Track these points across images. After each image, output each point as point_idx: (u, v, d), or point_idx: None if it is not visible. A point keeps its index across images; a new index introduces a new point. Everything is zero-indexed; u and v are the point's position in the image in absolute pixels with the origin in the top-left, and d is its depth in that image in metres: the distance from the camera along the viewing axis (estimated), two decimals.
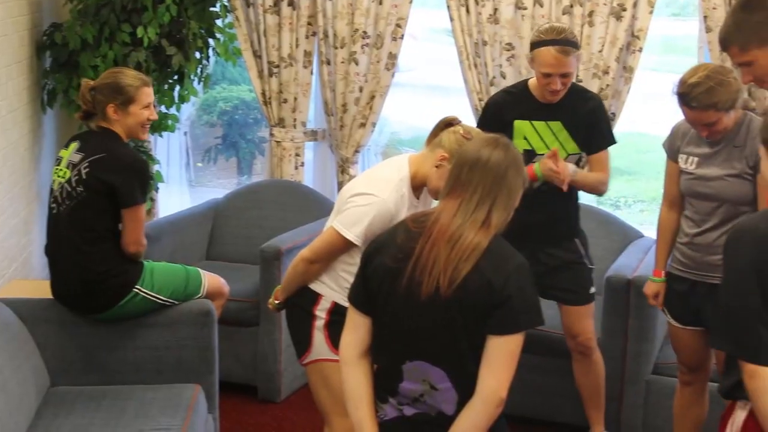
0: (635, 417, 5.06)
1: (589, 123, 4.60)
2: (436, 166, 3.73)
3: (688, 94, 3.98)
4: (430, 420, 3.09)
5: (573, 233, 4.77)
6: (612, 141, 4.74)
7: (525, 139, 4.54)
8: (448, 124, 3.83)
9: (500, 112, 4.60)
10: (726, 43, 3.61)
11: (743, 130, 4.08)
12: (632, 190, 9.87)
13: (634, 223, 6.05)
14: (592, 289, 4.77)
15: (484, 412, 3.00)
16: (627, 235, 5.74)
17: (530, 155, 4.52)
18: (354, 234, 3.72)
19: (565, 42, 4.39)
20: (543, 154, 4.52)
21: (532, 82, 4.59)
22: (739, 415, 2.94)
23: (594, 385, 4.85)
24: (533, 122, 4.54)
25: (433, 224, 3.06)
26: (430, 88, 11.23)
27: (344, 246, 3.78)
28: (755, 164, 3.99)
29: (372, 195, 3.75)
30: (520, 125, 4.57)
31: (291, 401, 5.55)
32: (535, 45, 4.46)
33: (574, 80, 4.58)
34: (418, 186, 3.85)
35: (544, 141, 4.54)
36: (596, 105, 4.67)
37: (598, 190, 4.72)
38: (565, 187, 4.41)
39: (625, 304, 4.92)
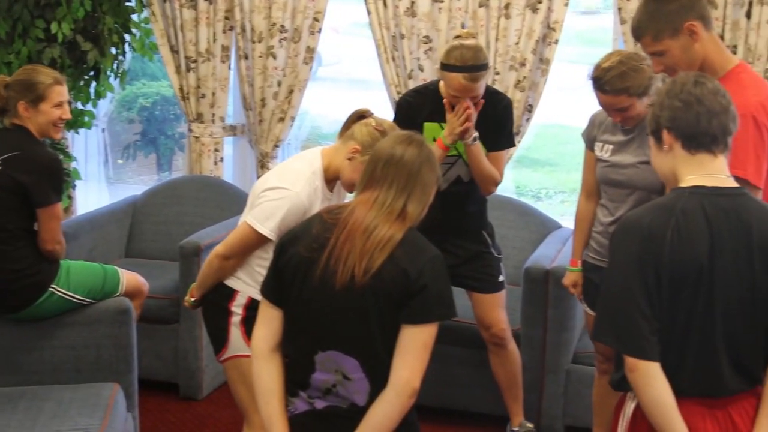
0: (556, 406, 5.11)
1: (495, 123, 4.62)
2: (349, 159, 3.74)
3: (601, 78, 4.04)
4: (342, 413, 3.08)
5: (480, 227, 4.81)
6: (511, 143, 4.79)
7: (434, 140, 4.52)
8: (360, 116, 3.84)
9: (411, 113, 4.59)
10: (639, 32, 3.64)
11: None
12: (553, 182, 9.96)
13: (555, 214, 6.11)
14: (501, 278, 4.80)
15: (397, 403, 3.01)
16: (546, 226, 5.79)
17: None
18: (268, 229, 3.71)
19: (474, 69, 4.33)
20: (452, 156, 4.56)
21: (442, 84, 4.57)
22: (629, 406, 2.98)
23: (511, 376, 4.89)
24: (443, 124, 4.51)
25: (349, 216, 3.07)
26: (352, 82, 11.25)
27: (258, 241, 3.77)
28: None
29: (285, 189, 3.74)
30: (430, 127, 4.57)
31: (213, 398, 5.52)
32: (444, 67, 4.41)
33: (493, 76, 4.60)
34: (331, 179, 3.85)
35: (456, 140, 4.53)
36: (505, 106, 4.68)
37: (487, 184, 4.67)
38: (467, 139, 4.42)
39: (544, 295, 4.96)
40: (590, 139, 4.38)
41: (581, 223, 4.48)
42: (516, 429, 4.94)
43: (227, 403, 5.13)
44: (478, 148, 4.52)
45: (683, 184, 2.92)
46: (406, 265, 2.99)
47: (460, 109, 4.39)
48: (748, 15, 5.33)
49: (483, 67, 4.37)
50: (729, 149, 2.97)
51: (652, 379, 2.84)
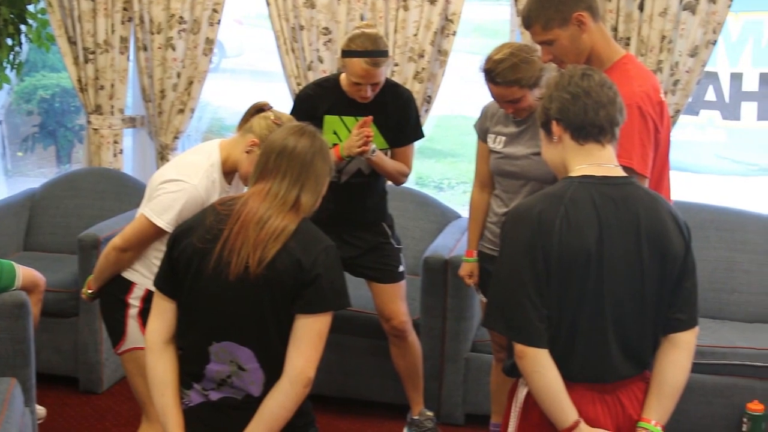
0: (455, 394, 5.16)
1: (398, 118, 4.65)
2: (247, 152, 3.74)
3: (493, 70, 4.10)
4: (237, 404, 3.10)
5: (381, 218, 4.84)
6: (420, 135, 4.81)
7: (335, 133, 4.55)
8: (258, 109, 3.84)
9: (311, 105, 4.59)
10: (529, 21, 3.69)
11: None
12: (455, 172, 10.02)
13: (457, 204, 6.15)
14: (401, 268, 4.83)
15: (292, 393, 3.03)
16: (445, 216, 5.84)
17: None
18: (165, 221, 3.70)
19: (375, 54, 4.38)
20: None
21: (344, 77, 4.59)
22: (521, 392, 3.04)
23: (411, 367, 4.92)
24: (343, 117, 4.55)
25: (242, 207, 3.08)
26: (255, 73, 11.21)
27: (155, 233, 3.75)
28: None
29: (182, 181, 3.72)
30: (330, 120, 4.59)
31: (113, 391, 5.48)
32: (345, 53, 4.44)
33: (392, 67, 4.62)
34: (229, 171, 3.84)
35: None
36: (407, 100, 4.71)
37: (396, 179, 4.76)
38: (367, 154, 4.45)
39: (443, 284, 5.01)
40: (483, 131, 4.43)
41: (475, 213, 4.54)
42: (416, 417, 4.98)
43: (128, 396, 5.10)
44: (379, 156, 4.55)
45: (573, 174, 2.98)
46: (300, 256, 3.01)
47: (360, 129, 4.42)
48: (641, 7, 5.43)
49: (384, 53, 4.42)
50: (617, 139, 3.03)
51: (540, 366, 2.89)
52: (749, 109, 5.80)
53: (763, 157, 5.89)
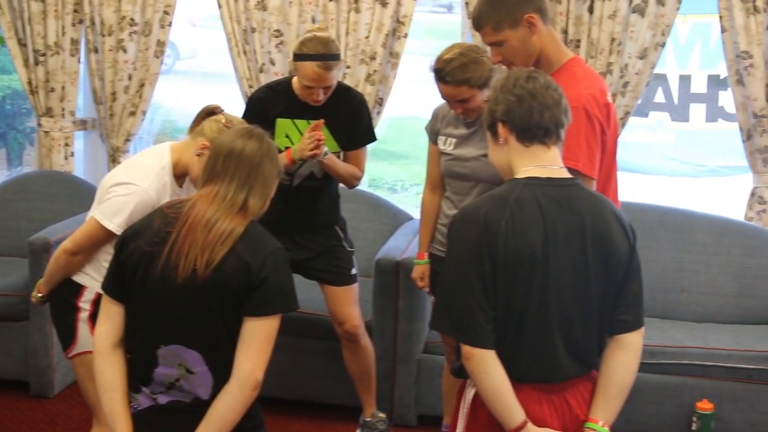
0: (408, 396, 5.17)
1: (350, 122, 4.65)
2: (198, 155, 3.72)
3: (442, 69, 4.12)
4: (185, 407, 3.10)
5: (333, 221, 4.84)
6: (372, 138, 4.81)
7: (287, 137, 4.54)
8: (209, 112, 3.83)
9: (263, 108, 4.58)
10: (479, 22, 3.70)
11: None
12: (408, 174, 10.05)
13: (410, 206, 6.17)
14: (353, 270, 4.83)
15: (240, 396, 3.02)
16: (397, 218, 5.86)
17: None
18: (115, 224, 3.68)
19: (327, 57, 4.38)
20: None
21: (296, 81, 4.59)
22: (469, 393, 3.05)
23: (364, 370, 4.93)
24: (295, 120, 4.54)
25: (190, 210, 3.07)
26: (208, 76, 11.18)
27: (106, 237, 3.73)
28: None
29: (133, 184, 3.71)
30: (283, 123, 4.58)
31: (65, 396, 5.44)
32: (297, 57, 4.43)
33: (344, 70, 4.62)
34: (180, 174, 3.83)
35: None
36: (358, 103, 4.71)
37: (349, 182, 4.75)
38: (319, 157, 4.44)
39: (395, 286, 5.02)
40: (434, 133, 4.46)
41: (427, 216, 4.56)
42: (368, 419, 4.99)
43: (79, 401, 5.07)
44: (331, 159, 4.54)
45: (518, 176, 2.99)
46: (248, 258, 3.01)
47: (311, 132, 4.41)
48: (591, 10, 5.47)
49: (336, 57, 4.42)
50: (562, 141, 3.05)
51: (487, 367, 2.90)
52: (697, 110, 5.86)
53: (712, 158, 5.95)
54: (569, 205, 2.95)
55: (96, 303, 3.82)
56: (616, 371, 3.05)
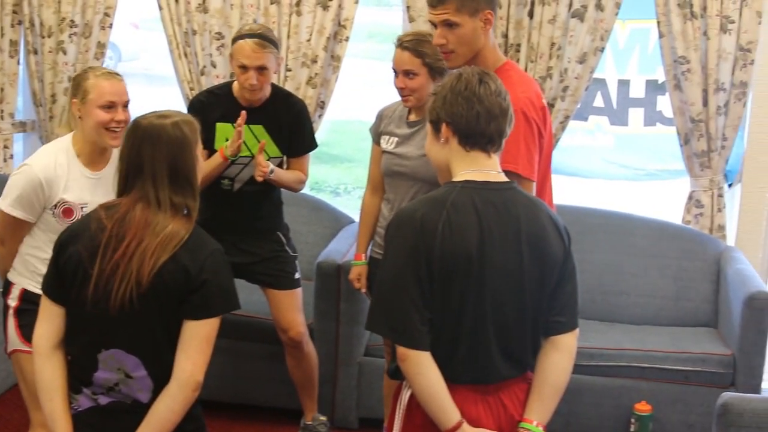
0: (349, 398, 5.19)
1: (292, 128, 4.67)
2: (79, 117, 3.83)
3: (404, 36, 4.30)
4: (126, 408, 3.08)
5: (275, 227, 4.85)
6: (313, 146, 4.84)
7: (227, 141, 4.53)
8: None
9: (203, 113, 4.50)
10: None
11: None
12: (351, 177, 10.07)
13: (353, 209, 6.16)
14: (297, 275, 4.84)
15: (180, 397, 3.02)
16: (339, 221, 5.86)
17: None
18: (7, 204, 3.77)
19: (262, 36, 4.46)
20: (245, 156, 4.56)
21: (236, 85, 4.61)
22: (405, 395, 3.06)
23: (307, 376, 4.94)
24: (235, 125, 4.52)
25: (127, 213, 3.06)
26: (150, 78, 11.13)
27: (11, 221, 3.80)
28: None
29: (24, 165, 3.81)
30: (223, 127, 4.58)
31: (5, 399, 5.37)
32: (234, 41, 4.52)
33: (285, 73, 4.62)
34: (89, 155, 3.88)
35: (246, 144, 4.53)
36: (300, 110, 4.74)
37: (295, 188, 4.80)
38: (259, 179, 4.47)
39: (336, 289, 5.03)
40: (377, 133, 4.49)
41: (366, 217, 4.58)
42: (309, 423, 4.99)
43: (19, 405, 5.03)
44: (276, 174, 4.57)
45: (456, 179, 3.01)
46: (187, 262, 3.00)
47: (238, 129, 4.43)
48: (531, 14, 5.50)
49: (272, 40, 4.50)
50: (502, 149, 3.08)
51: (423, 368, 2.92)
52: (636, 114, 5.91)
53: (650, 161, 6.00)
54: (505, 208, 2.97)
55: (21, 298, 3.83)
56: (551, 372, 3.07)
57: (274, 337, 4.90)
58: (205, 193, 4.43)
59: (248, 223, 4.71)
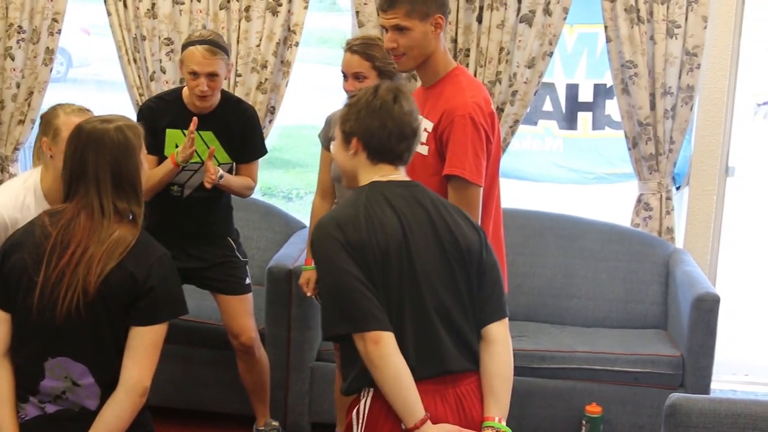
0: (301, 403, 5.18)
1: (242, 135, 4.67)
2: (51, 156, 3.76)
3: (353, 40, 4.33)
4: (74, 416, 3.08)
5: (225, 233, 4.84)
6: (263, 152, 4.85)
7: (177, 147, 4.53)
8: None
9: (152, 118, 4.57)
10: (394, 2, 3.70)
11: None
12: (303, 182, 10.06)
13: (305, 215, 6.14)
14: (247, 280, 4.84)
15: (127, 402, 3.01)
16: (290, 226, 5.85)
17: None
18: None
19: (212, 43, 4.46)
20: (195, 163, 4.55)
21: (186, 91, 4.60)
22: (364, 403, 3.03)
23: (258, 381, 4.93)
24: (185, 131, 4.50)
25: (72, 220, 3.04)
26: (101, 83, 11.08)
27: None
28: None
29: None
30: (173, 134, 4.58)
31: None
32: (184, 47, 4.52)
33: (235, 78, 4.61)
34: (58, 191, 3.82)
35: (196, 150, 4.51)
36: (250, 116, 4.75)
37: (243, 194, 4.80)
38: (208, 186, 4.47)
39: (287, 294, 5.03)
40: (327, 139, 4.50)
41: (316, 220, 4.58)
42: (261, 428, 4.99)
43: None
44: (226, 180, 4.57)
45: (362, 184, 3.09)
46: (134, 268, 3.00)
47: (189, 135, 4.42)
48: (480, 19, 5.53)
49: (222, 47, 4.51)
50: (408, 163, 3.17)
51: (395, 348, 2.92)
52: (584, 119, 5.95)
53: (599, 165, 6.04)
54: (414, 199, 3.06)
55: None
56: (492, 364, 3.09)
57: (225, 343, 4.89)
58: (155, 199, 4.45)
59: (198, 228, 4.70)
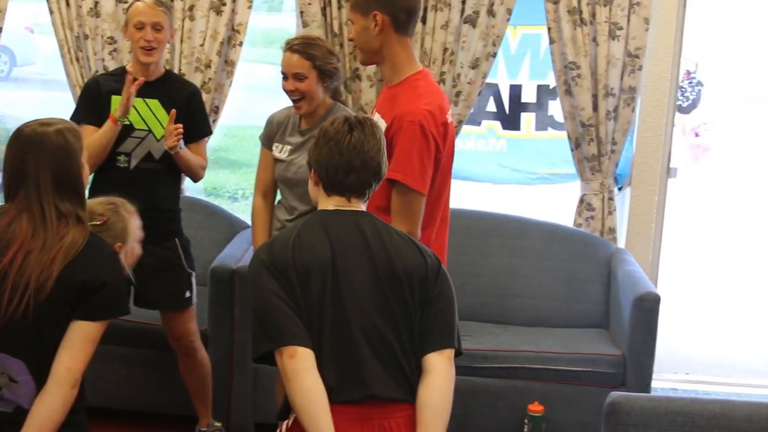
0: (245, 404, 5.16)
1: (187, 110, 4.65)
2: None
3: (292, 40, 4.36)
4: (7, 417, 3.05)
5: (174, 232, 4.78)
6: (210, 131, 4.88)
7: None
8: None
9: (96, 88, 4.64)
10: None
11: (330, 118, 4.29)
12: (249, 182, 10.02)
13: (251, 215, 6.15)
14: (188, 293, 4.77)
15: (59, 393, 2.99)
16: (233, 227, 5.84)
17: (129, 129, 4.56)
18: None
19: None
20: (141, 130, 4.57)
21: (130, 66, 4.62)
22: (286, 424, 3.04)
23: (200, 382, 4.92)
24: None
25: (12, 221, 3.03)
26: (48, 82, 11.01)
27: None
28: None
29: None
30: (118, 100, 4.55)
31: None
32: (128, 9, 4.64)
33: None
34: None
35: (141, 116, 4.56)
36: (193, 92, 4.78)
37: (197, 174, 4.78)
38: (170, 147, 4.47)
39: (231, 294, 5.01)
40: (268, 139, 4.53)
41: (259, 220, 4.61)
42: (204, 429, 4.98)
43: None
44: (186, 153, 4.57)
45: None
46: (85, 270, 3.00)
47: (170, 126, 4.46)
48: (424, 20, 5.53)
49: (166, 4, 4.66)
50: (368, 197, 3.16)
51: (311, 364, 2.92)
52: (528, 119, 5.99)
53: (542, 165, 6.08)
54: (355, 226, 3.08)
55: None
56: (424, 393, 3.04)
57: (167, 344, 4.87)
58: (100, 176, 4.43)
59: (146, 203, 4.60)
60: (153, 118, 4.56)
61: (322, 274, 2.96)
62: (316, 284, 2.96)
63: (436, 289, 3.08)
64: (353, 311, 2.97)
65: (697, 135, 10.86)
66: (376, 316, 2.99)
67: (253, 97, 9.11)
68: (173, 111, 4.47)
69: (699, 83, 8.99)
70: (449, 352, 3.09)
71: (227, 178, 10.22)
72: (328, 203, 3.12)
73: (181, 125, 4.47)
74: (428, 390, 3.03)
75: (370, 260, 3.02)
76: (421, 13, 3.82)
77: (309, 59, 4.26)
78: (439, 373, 3.05)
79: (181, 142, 4.50)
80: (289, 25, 6.14)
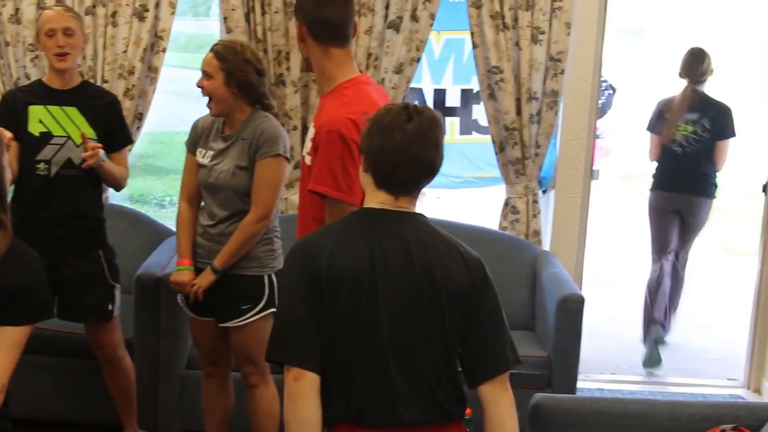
0: (172, 412, 5.14)
1: (106, 119, 4.64)
2: None
3: (218, 42, 4.44)
4: None
5: (97, 243, 4.74)
6: (130, 140, 4.88)
7: (41, 122, 4.53)
8: None
9: (14, 101, 4.62)
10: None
11: (251, 125, 4.31)
12: (176, 189, 9.97)
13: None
14: (111, 306, 4.72)
15: None
16: (159, 234, 5.80)
17: (47, 137, 4.53)
18: None
19: (64, 6, 4.65)
20: (60, 137, 4.53)
21: (46, 78, 4.64)
22: None
23: (124, 390, 4.89)
24: (48, 107, 4.54)
25: None
26: None
27: None
28: (254, 158, 4.29)
29: None
30: (35, 110, 4.55)
31: None
32: (41, 15, 4.65)
33: (102, 84, 4.58)
34: None
35: (60, 124, 4.54)
36: (112, 101, 4.76)
37: (119, 184, 4.78)
38: (97, 162, 4.46)
39: (156, 302, 4.97)
40: (193, 144, 4.53)
41: (184, 224, 4.56)
42: None
43: None
44: (108, 163, 4.55)
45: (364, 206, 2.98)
46: (9, 275, 3.00)
47: (88, 145, 4.46)
48: None
49: (76, 12, 4.72)
50: (416, 196, 3.01)
51: (314, 392, 2.81)
52: (452, 124, 6.03)
53: (466, 169, 6.12)
54: (397, 232, 2.88)
55: None
56: (497, 423, 2.97)
57: (91, 353, 4.84)
58: (21, 186, 4.40)
59: (68, 210, 4.58)
60: (71, 124, 4.54)
61: (357, 284, 2.81)
62: (348, 294, 2.82)
63: (482, 310, 2.94)
64: (387, 329, 2.83)
65: (597, 137, 10.97)
66: (410, 334, 2.85)
67: (181, 103, 9.06)
68: (83, 132, 4.47)
69: (609, 87, 9.07)
70: (502, 378, 2.96)
71: (154, 184, 10.15)
72: (375, 198, 2.92)
73: (100, 144, 4.47)
74: (492, 426, 2.97)
75: (410, 273, 2.84)
76: (350, 23, 3.73)
77: (219, 60, 4.27)
78: (495, 408, 2.97)
79: (104, 154, 4.48)
80: (216, 31, 6.13)
